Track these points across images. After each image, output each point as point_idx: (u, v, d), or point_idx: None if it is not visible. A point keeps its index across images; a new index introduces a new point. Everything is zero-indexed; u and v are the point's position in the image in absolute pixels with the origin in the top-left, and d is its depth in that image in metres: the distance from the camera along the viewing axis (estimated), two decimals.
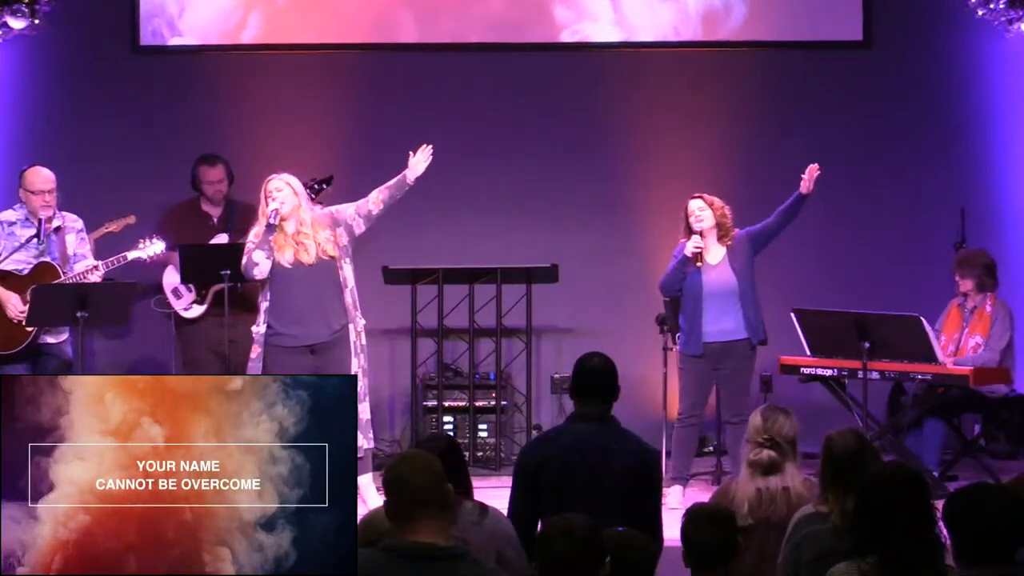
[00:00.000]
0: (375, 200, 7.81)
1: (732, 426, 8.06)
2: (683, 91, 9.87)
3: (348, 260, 7.79)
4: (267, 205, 7.71)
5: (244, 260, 7.74)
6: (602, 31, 9.89)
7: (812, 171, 8.10)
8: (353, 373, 7.69)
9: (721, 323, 8.08)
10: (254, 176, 9.40)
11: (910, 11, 9.81)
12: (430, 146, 7.84)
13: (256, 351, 7.73)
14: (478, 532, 4.81)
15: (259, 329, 7.74)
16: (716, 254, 8.13)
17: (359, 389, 7.71)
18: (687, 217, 8.15)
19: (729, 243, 8.13)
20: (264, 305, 7.76)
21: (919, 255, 9.75)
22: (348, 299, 7.77)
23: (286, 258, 7.70)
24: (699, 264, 8.07)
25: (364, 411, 7.75)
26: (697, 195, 8.18)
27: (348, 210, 7.82)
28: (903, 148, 9.86)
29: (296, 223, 7.73)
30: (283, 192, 7.74)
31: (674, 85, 9.88)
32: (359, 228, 7.82)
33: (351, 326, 7.76)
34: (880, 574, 4.06)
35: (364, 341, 7.83)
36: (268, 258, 7.68)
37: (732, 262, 8.11)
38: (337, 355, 7.72)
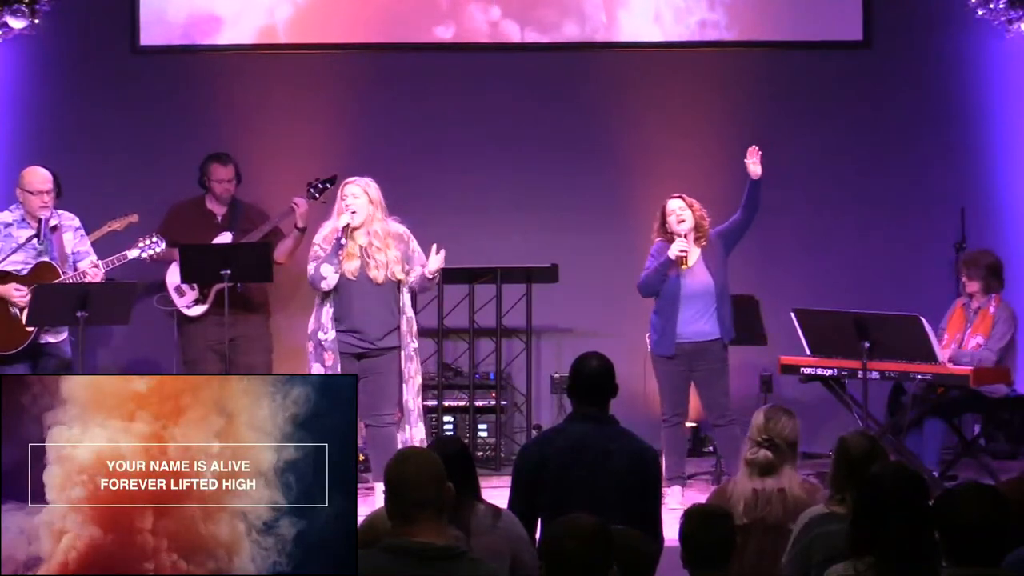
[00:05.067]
0: (414, 278, 7.72)
1: (720, 428, 8.07)
2: (683, 91, 9.87)
3: (407, 290, 7.76)
4: (341, 210, 7.61)
5: (312, 270, 7.65)
6: (603, 31, 9.90)
7: (752, 152, 8.06)
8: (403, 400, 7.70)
9: (696, 324, 8.05)
10: (254, 176, 9.44)
11: (910, 11, 9.81)
12: (443, 251, 7.73)
13: (331, 358, 7.62)
14: (493, 534, 4.80)
15: (327, 336, 7.64)
16: (692, 255, 8.10)
17: (412, 415, 7.72)
18: (664, 216, 8.12)
19: (704, 244, 8.10)
20: (328, 311, 7.66)
21: (919, 255, 9.76)
22: (404, 326, 7.71)
23: (350, 269, 7.62)
24: (684, 267, 8.04)
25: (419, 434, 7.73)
26: (677, 195, 8.14)
27: (416, 259, 7.72)
28: (903, 148, 9.86)
29: (368, 235, 7.65)
30: (359, 200, 7.63)
31: (674, 85, 9.88)
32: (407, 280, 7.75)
33: (402, 352, 7.71)
34: (876, 574, 4.07)
35: (416, 372, 7.76)
36: (337, 272, 7.59)
37: (708, 263, 8.08)
38: (383, 365, 7.70)
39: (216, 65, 9.89)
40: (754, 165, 8.03)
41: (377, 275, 7.64)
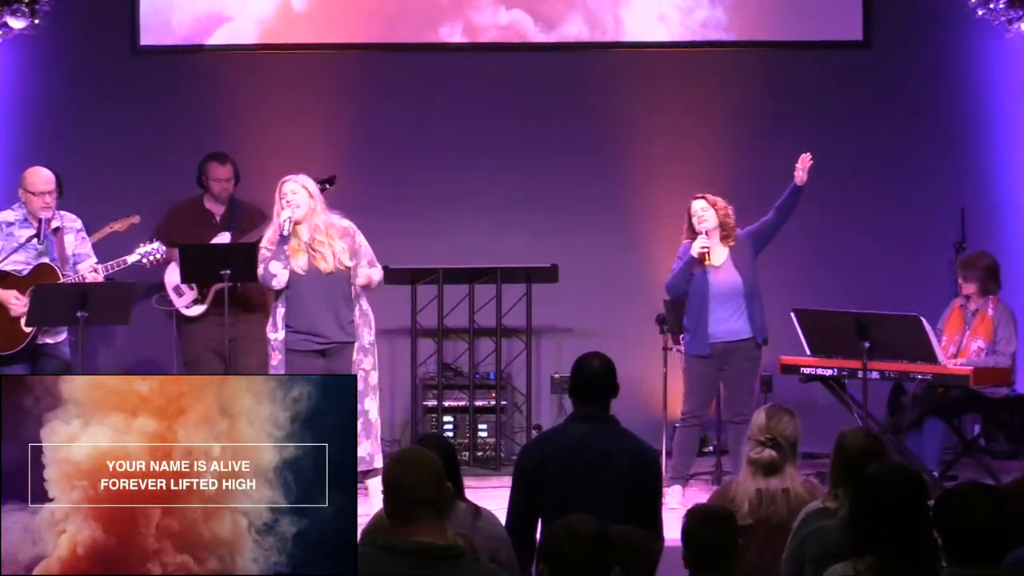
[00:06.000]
0: (360, 276, 7.71)
1: (734, 426, 8.06)
2: (683, 91, 9.87)
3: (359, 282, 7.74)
4: (281, 208, 7.62)
5: (261, 270, 7.64)
6: (604, 31, 9.90)
7: (804, 160, 8.10)
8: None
9: (727, 324, 8.08)
10: (254, 176, 9.43)
11: (910, 11, 9.81)
12: (378, 271, 7.75)
13: (277, 357, 7.63)
14: (472, 533, 4.81)
15: (277, 335, 7.65)
16: (720, 255, 8.12)
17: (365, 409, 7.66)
18: (690, 218, 8.16)
19: (732, 243, 8.13)
20: (280, 311, 7.67)
21: (919, 255, 9.76)
22: (357, 316, 7.72)
23: (299, 264, 7.61)
24: (707, 263, 8.07)
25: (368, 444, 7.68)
26: (700, 195, 8.17)
27: (363, 253, 7.72)
28: (903, 148, 9.86)
29: (310, 229, 7.64)
30: (298, 196, 7.62)
31: (675, 85, 9.88)
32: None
33: (355, 344, 7.69)
34: (876, 574, 4.07)
35: (371, 366, 7.73)
36: (285, 268, 7.58)
37: (736, 262, 8.12)
38: (348, 357, 7.68)
39: (216, 65, 9.89)
40: (802, 171, 8.07)
41: (326, 266, 7.62)
